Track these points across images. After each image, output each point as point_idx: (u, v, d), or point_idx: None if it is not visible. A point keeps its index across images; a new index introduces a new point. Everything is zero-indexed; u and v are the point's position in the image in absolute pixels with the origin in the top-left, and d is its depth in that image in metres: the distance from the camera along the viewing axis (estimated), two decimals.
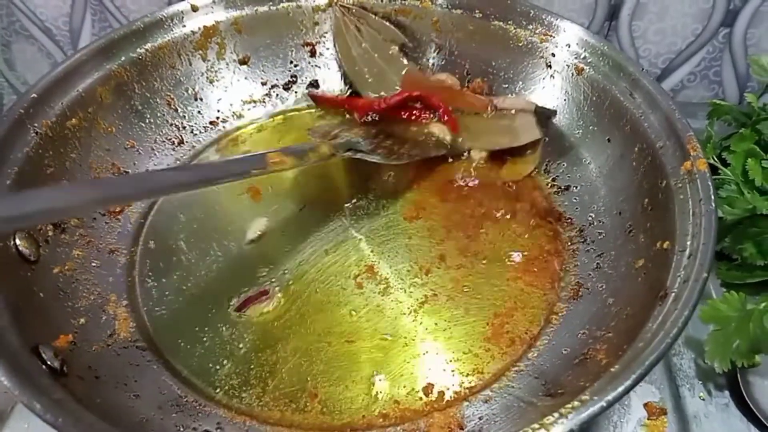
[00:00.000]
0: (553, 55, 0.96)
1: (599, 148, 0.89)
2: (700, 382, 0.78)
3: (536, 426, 0.52)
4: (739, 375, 0.77)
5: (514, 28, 0.99)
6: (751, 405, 0.75)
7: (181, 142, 0.99)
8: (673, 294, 0.61)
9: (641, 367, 0.53)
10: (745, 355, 0.74)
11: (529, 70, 0.99)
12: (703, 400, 0.77)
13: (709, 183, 0.69)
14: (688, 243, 0.66)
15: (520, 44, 0.99)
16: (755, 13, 1.14)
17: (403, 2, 1.04)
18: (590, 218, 0.85)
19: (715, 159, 0.88)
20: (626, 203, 0.82)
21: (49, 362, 0.61)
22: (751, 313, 0.74)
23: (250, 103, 1.05)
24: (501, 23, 1.00)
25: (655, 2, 1.14)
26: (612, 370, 0.56)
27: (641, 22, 1.17)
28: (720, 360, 0.75)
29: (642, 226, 0.77)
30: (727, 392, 0.78)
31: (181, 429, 0.64)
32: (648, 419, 0.75)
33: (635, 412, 0.75)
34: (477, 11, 1.01)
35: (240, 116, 1.04)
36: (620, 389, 0.52)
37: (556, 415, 0.52)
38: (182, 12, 0.99)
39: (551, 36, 0.96)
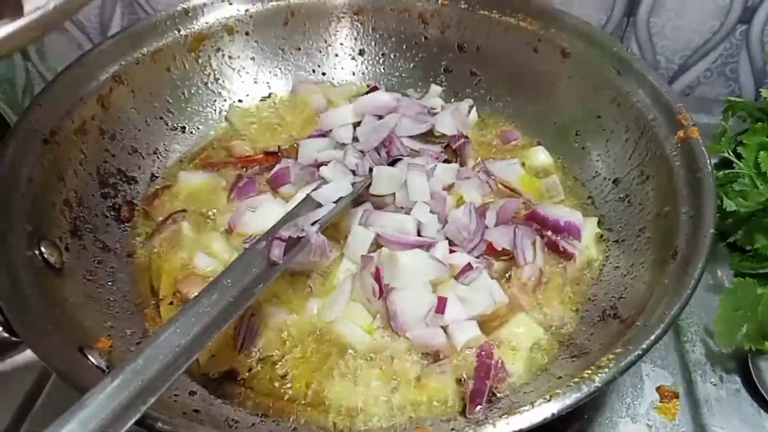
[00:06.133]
0: (539, 40, 1.00)
1: (591, 125, 0.94)
2: (712, 368, 0.81)
3: (577, 380, 0.56)
4: (750, 361, 0.79)
5: (499, 16, 1.03)
6: (761, 390, 0.77)
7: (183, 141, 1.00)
8: (683, 251, 0.66)
9: (668, 317, 0.57)
10: (753, 339, 0.77)
11: (517, 56, 1.02)
12: (715, 385, 0.80)
13: (703, 149, 0.75)
14: (690, 205, 0.71)
15: (506, 30, 1.03)
16: None
17: None
18: (590, 194, 0.90)
19: (730, 153, 0.90)
20: (622, 174, 0.87)
21: (95, 362, 0.62)
22: (760, 298, 0.77)
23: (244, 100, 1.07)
24: (485, 12, 1.04)
25: None
26: (638, 324, 0.60)
27: (659, 19, 1.20)
28: (727, 341, 0.78)
29: (640, 194, 0.83)
30: (738, 378, 0.80)
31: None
32: (660, 402, 0.78)
33: (648, 395, 0.79)
34: (462, 1, 1.05)
35: (239, 113, 1.06)
36: (652, 338, 0.56)
37: (593, 368, 0.56)
38: (175, 15, 0.99)
39: (535, 21, 1.00)
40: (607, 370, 0.54)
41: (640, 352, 0.55)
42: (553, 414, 0.52)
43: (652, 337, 0.56)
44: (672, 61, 1.27)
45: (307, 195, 0.82)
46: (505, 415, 0.53)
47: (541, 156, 0.97)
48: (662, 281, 0.65)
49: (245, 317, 0.74)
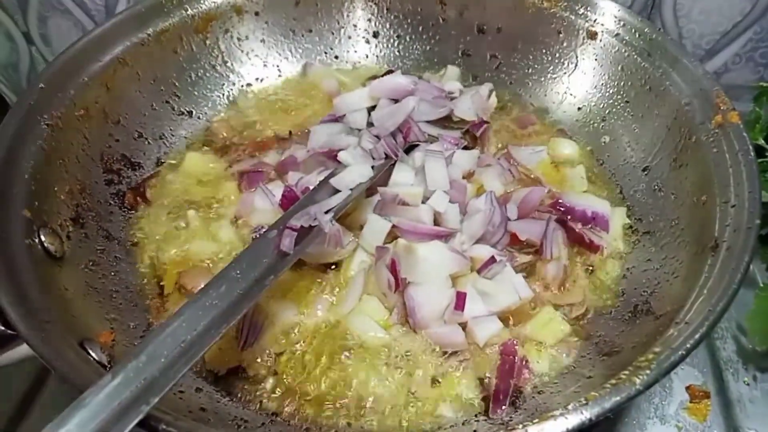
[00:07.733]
0: (564, 21, 0.95)
1: (619, 110, 0.89)
2: (745, 366, 0.77)
3: (614, 382, 0.51)
4: None
5: None
6: None
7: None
8: (725, 244, 0.62)
9: (713, 314, 0.53)
10: None
11: (540, 38, 0.97)
12: (748, 385, 0.76)
13: (744, 134, 0.70)
14: (732, 194, 0.66)
15: (529, 11, 0.97)
16: None
17: None
18: (618, 183, 0.86)
19: (763, 141, 0.87)
20: (653, 162, 0.82)
21: (96, 357, 0.58)
22: None
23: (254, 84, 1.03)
24: None
25: None
26: (677, 322, 0.56)
27: (686, 1, 1.13)
28: (762, 338, 0.74)
29: (673, 183, 0.78)
30: None
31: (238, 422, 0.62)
32: (690, 402, 0.74)
33: (677, 394, 0.75)
34: None
35: (248, 97, 1.02)
36: (696, 337, 0.52)
37: (630, 369, 0.52)
38: None
39: (560, 1, 0.95)
40: (648, 372, 0.50)
41: (683, 353, 0.51)
42: (590, 419, 0.47)
43: (697, 337, 0.51)
44: (699, 46, 1.21)
45: (321, 181, 0.77)
46: (537, 420, 0.49)
47: (565, 144, 0.92)
48: (701, 275, 0.60)
49: (246, 313, 0.69)
